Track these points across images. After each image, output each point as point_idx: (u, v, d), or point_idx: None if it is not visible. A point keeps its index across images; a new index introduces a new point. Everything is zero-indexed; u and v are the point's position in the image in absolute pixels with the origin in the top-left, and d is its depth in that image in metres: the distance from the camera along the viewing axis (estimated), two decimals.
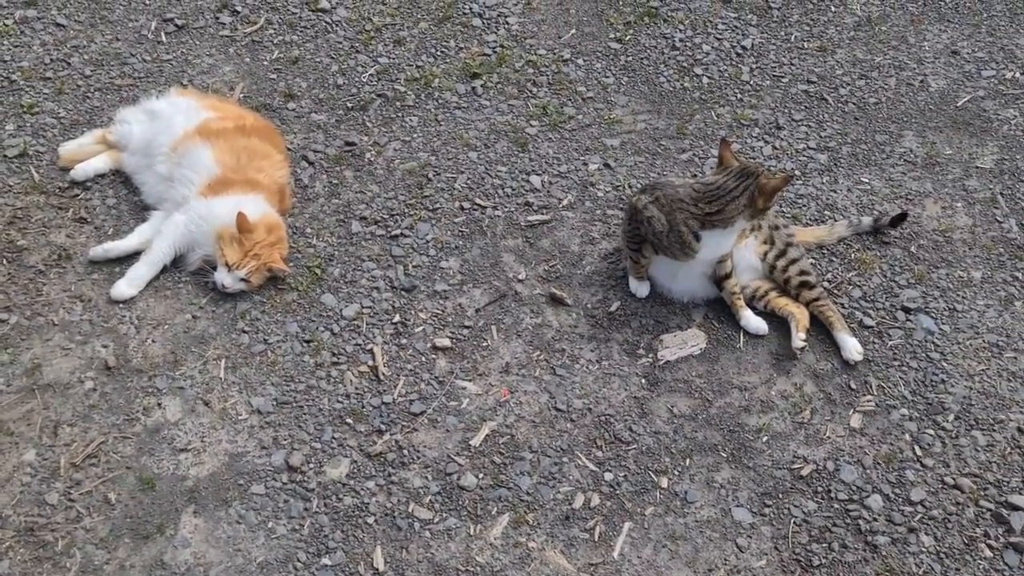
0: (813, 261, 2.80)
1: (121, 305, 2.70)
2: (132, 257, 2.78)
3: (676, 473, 2.38)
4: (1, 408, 2.46)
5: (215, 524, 2.26)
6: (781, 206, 2.99)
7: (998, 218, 2.98)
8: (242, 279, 2.67)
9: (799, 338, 2.56)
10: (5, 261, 2.80)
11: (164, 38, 3.50)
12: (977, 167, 3.13)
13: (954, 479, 2.36)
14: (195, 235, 2.73)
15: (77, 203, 2.96)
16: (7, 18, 3.50)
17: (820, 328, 2.65)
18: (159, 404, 2.49)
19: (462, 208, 3.00)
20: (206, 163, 2.78)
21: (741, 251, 2.65)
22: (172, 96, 3.06)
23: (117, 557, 2.21)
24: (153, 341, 2.62)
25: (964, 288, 2.78)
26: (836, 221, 2.92)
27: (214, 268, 2.71)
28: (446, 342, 2.63)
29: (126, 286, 2.70)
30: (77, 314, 2.67)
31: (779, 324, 2.69)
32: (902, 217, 2.87)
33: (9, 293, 2.72)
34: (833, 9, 3.71)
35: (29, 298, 2.71)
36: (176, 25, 3.53)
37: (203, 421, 2.46)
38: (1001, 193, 3.05)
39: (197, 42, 3.50)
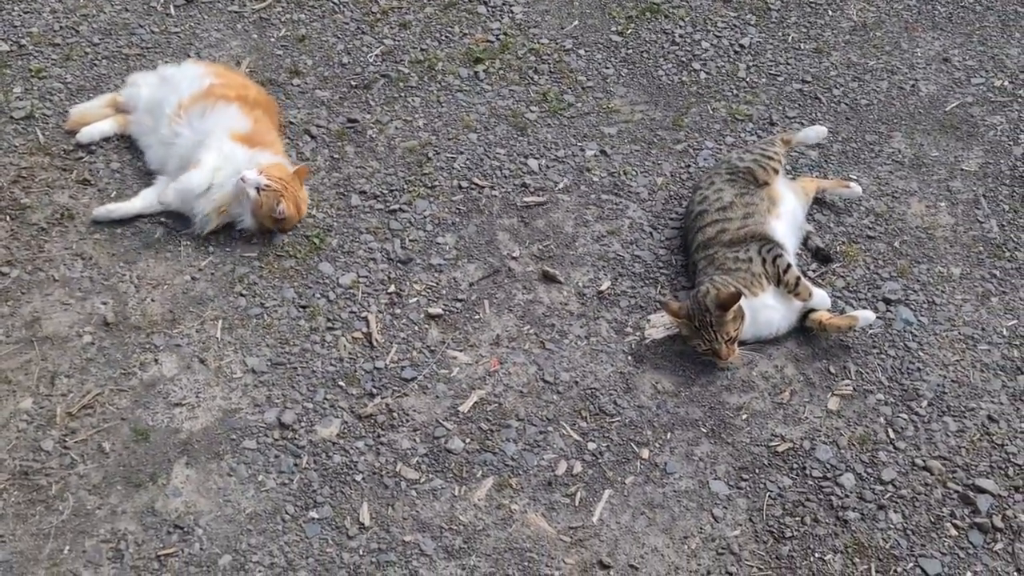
0: (799, 252, 2.89)
1: (122, 264, 2.76)
2: (135, 220, 2.84)
3: (657, 446, 2.45)
4: None
5: (206, 476, 2.32)
6: None
7: (979, 218, 3.06)
8: (258, 187, 2.69)
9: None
10: (8, 218, 2.85)
11: (173, 11, 3.56)
12: (962, 169, 3.22)
13: (924, 461, 2.43)
14: (227, 173, 2.76)
15: (81, 165, 3.02)
16: None
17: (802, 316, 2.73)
18: (156, 360, 2.54)
19: (460, 187, 3.06)
20: (234, 118, 2.85)
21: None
22: (187, 64, 3.13)
23: (109, 503, 2.26)
24: (152, 300, 2.68)
25: (944, 283, 2.86)
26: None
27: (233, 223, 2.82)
28: (439, 312, 2.70)
29: (174, 188, 2.79)
30: (78, 271, 2.73)
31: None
32: (826, 259, 2.88)
33: (11, 249, 2.77)
34: (830, 13, 3.80)
35: (31, 254, 2.76)
36: None
37: (198, 378, 2.51)
38: (984, 195, 3.13)
39: (205, 16, 3.56)
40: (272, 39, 3.50)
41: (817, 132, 3.11)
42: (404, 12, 3.65)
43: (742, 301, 2.55)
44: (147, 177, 2.97)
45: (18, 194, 2.92)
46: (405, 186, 3.05)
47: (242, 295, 2.71)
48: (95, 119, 3.07)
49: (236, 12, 3.58)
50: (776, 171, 2.90)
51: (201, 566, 2.18)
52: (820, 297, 2.67)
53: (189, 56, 3.36)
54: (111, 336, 2.59)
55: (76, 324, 2.60)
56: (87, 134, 3.04)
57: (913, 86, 3.51)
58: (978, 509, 2.33)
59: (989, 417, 2.53)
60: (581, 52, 3.56)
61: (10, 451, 2.33)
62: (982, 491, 2.36)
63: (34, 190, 2.93)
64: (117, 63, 3.36)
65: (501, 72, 3.46)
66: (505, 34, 3.60)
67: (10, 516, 2.22)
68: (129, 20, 3.52)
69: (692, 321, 2.53)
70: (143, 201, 2.85)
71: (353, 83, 3.37)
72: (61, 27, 3.47)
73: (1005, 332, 2.74)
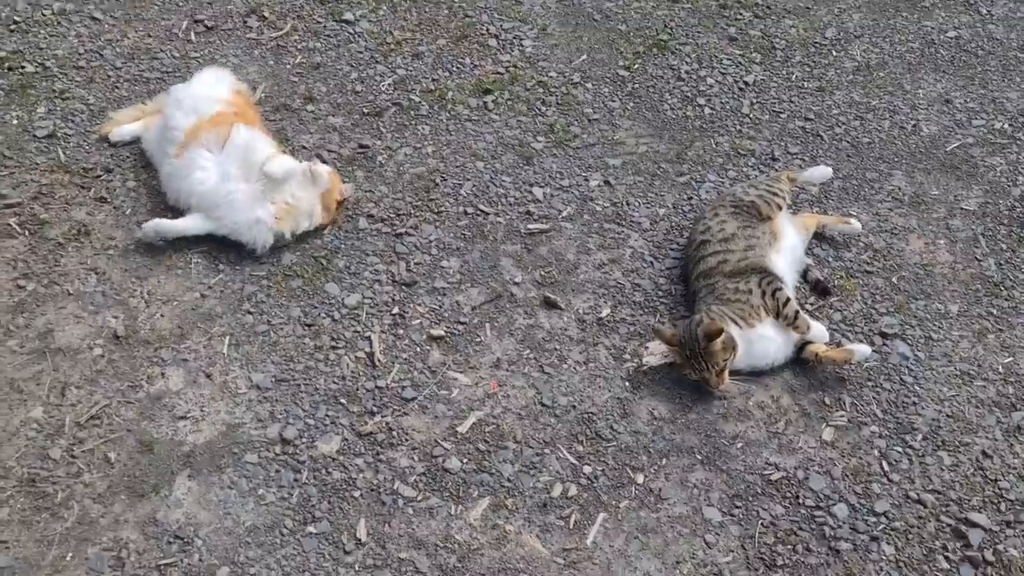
0: (798, 285, 2.93)
1: (133, 280, 2.83)
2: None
3: (652, 471, 2.48)
4: (12, 367, 2.58)
5: (208, 488, 2.37)
6: None
7: (978, 256, 3.10)
8: (327, 171, 2.93)
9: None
10: (27, 232, 2.93)
11: (194, 37, 3.68)
12: (961, 208, 3.27)
13: (918, 494, 2.45)
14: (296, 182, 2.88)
15: (99, 184, 3.10)
16: (45, 9, 3.69)
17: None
18: (163, 374, 2.60)
19: (466, 213, 3.13)
20: (261, 143, 2.94)
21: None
22: (214, 80, 3.18)
23: (113, 512, 2.31)
24: (162, 315, 2.74)
25: (941, 319, 2.90)
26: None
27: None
28: (441, 334, 2.75)
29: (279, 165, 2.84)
30: (91, 285, 2.80)
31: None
32: (825, 292, 2.92)
33: (29, 262, 2.85)
34: (834, 54, 3.88)
35: (47, 268, 2.84)
36: (206, 26, 3.71)
37: (204, 392, 2.57)
38: (982, 234, 3.18)
39: (225, 43, 3.67)
40: (288, 66, 3.61)
41: (822, 172, 3.17)
42: (417, 43, 3.76)
43: (738, 332, 2.60)
44: (162, 196, 3.04)
45: (38, 210, 3.00)
46: (412, 211, 3.12)
47: (249, 313, 2.77)
48: (127, 121, 3.23)
49: (254, 39, 3.69)
50: (780, 207, 2.96)
51: None
52: (818, 330, 2.70)
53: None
54: (121, 349, 2.65)
55: (88, 337, 2.67)
56: (118, 134, 3.20)
57: (915, 126, 3.58)
58: (970, 543, 2.34)
59: (983, 452, 2.55)
60: (588, 85, 3.65)
61: (19, 458, 2.39)
62: (974, 525, 2.37)
63: (53, 206, 3.02)
64: (138, 86, 3.46)
65: (509, 103, 3.54)
66: (515, 66, 3.69)
67: (16, 522, 2.27)
68: (152, 45, 3.63)
69: (683, 349, 2.57)
70: (190, 222, 2.88)
71: (365, 110, 3.46)
72: (86, 50, 3.58)
73: (1000, 369, 2.77)
